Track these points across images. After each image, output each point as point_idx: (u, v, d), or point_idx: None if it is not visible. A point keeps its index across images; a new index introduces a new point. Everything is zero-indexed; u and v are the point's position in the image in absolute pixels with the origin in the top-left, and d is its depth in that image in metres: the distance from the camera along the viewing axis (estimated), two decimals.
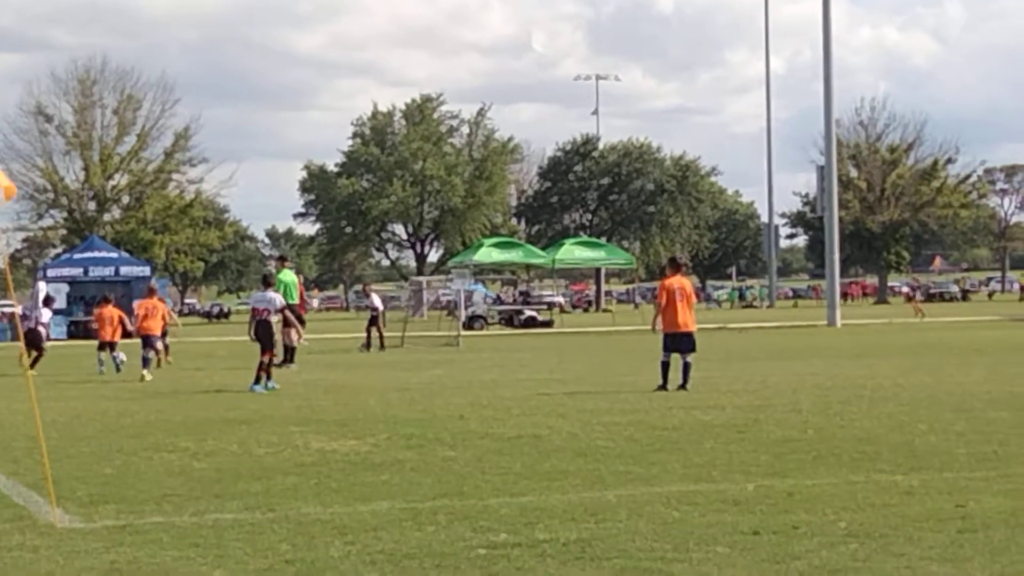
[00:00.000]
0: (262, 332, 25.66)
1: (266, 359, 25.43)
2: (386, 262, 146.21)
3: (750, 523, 10.19)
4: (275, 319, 26.28)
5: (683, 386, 22.62)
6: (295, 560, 9.21)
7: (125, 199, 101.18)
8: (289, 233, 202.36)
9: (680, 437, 15.85)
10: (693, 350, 23.22)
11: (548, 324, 61.55)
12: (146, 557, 9.43)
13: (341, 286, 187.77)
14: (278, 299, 26.53)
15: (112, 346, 31.94)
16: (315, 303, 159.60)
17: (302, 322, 32.56)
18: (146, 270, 67.73)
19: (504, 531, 10.07)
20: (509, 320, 63.40)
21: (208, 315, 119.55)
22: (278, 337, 27.30)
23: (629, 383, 24.80)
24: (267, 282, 27.47)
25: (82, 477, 13.42)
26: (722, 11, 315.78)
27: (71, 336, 58.98)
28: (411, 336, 44.27)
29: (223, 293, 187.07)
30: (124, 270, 65.99)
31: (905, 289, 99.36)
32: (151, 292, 33.98)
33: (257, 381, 25.07)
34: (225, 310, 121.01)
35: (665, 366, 22.96)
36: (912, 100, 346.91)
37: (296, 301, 32.37)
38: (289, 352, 31.68)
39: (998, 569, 8.47)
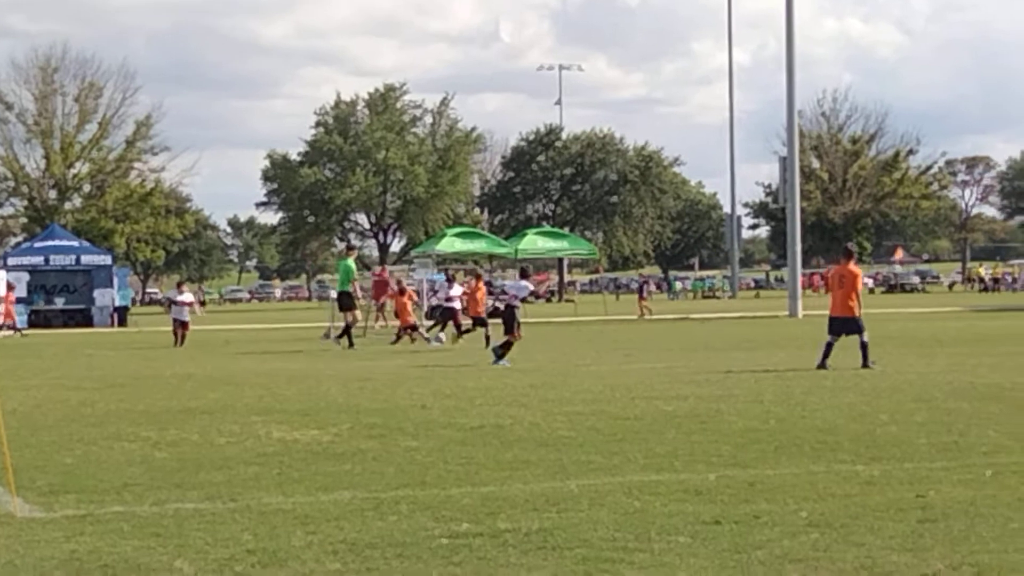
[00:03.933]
0: (507, 315, 29.06)
1: (514, 338, 28.64)
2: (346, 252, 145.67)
3: (712, 513, 10.21)
4: (517, 304, 29.47)
5: (865, 363, 23.93)
6: (256, 550, 9.19)
7: (86, 188, 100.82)
8: (251, 222, 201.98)
9: (642, 427, 15.87)
10: (854, 332, 24.54)
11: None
12: (107, 547, 9.39)
13: (304, 275, 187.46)
14: (526, 289, 30.25)
15: None
16: (277, 293, 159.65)
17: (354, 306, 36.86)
18: (107, 259, 67.46)
19: (466, 521, 10.06)
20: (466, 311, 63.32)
21: (166, 304, 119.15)
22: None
23: (592, 372, 24.82)
24: (525, 274, 30.99)
25: (42, 466, 13.36)
26: (688, 2, 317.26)
27: (32, 325, 58.65)
28: (374, 326, 44.19)
29: (184, 283, 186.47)
30: (85, 259, 65.67)
31: (634, 285, 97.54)
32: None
33: (501, 356, 28.01)
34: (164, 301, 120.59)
35: (828, 346, 24.46)
36: (877, 92, 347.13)
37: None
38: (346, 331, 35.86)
39: (958, 559, 8.51)
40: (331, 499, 11.17)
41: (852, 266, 25.37)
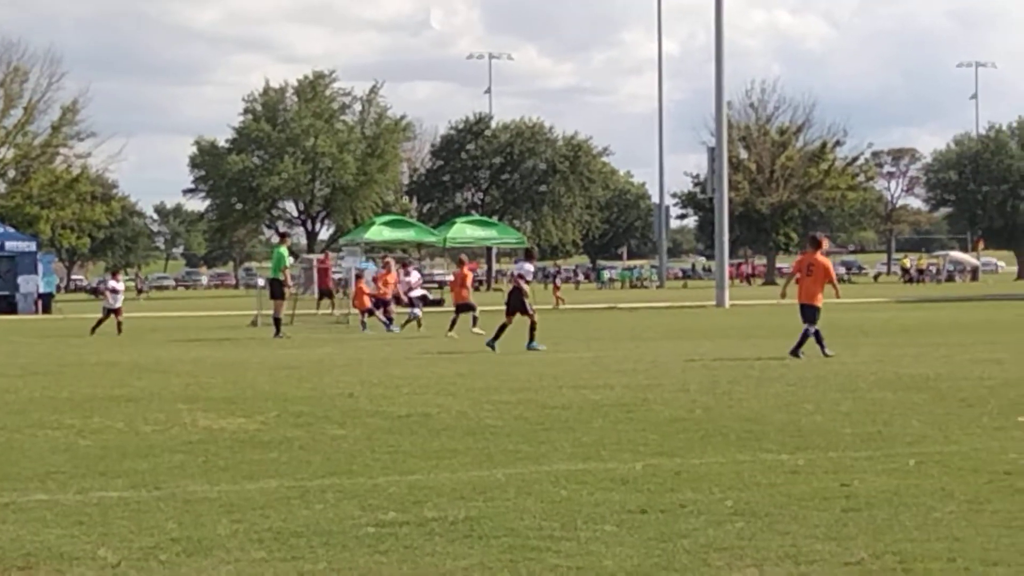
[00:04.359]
0: (513, 298, 29.25)
1: (536, 319, 28.78)
2: (276, 239, 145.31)
3: (638, 502, 10.23)
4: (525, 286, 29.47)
5: (793, 351, 24.25)
6: (181, 538, 9.13)
7: (11, 173, 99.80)
8: (178, 209, 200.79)
9: (569, 416, 15.89)
10: (812, 321, 24.73)
11: (439, 303, 61.58)
12: (29, 535, 9.31)
13: (231, 263, 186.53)
14: (530, 269, 30.35)
15: None
16: (204, 280, 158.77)
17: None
18: (31, 245, 66.87)
19: (393, 509, 10.04)
20: (399, 299, 63.31)
21: (95, 291, 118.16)
22: None
23: (519, 361, 24.83)
24: (529, 255, 31.44)
25: None
26: None
27: None
28: (301, 314, 44.02)
29: (110, 269, 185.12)
30: (9, 245, 65.09)
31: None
32: None
33: (532, 339, 28.21)
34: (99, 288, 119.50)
35: (817, 334, 24.61)
36: (805, 83, 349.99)
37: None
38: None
39: (881, 547, 8.57)
40: (257, 487, 11.12)
41: (820, 256, 25.64)
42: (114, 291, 40.95)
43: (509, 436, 14.16)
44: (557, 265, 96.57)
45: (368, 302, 40.35)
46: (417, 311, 40.14)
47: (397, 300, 40.61)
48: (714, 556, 8.43)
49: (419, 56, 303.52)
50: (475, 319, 34.54)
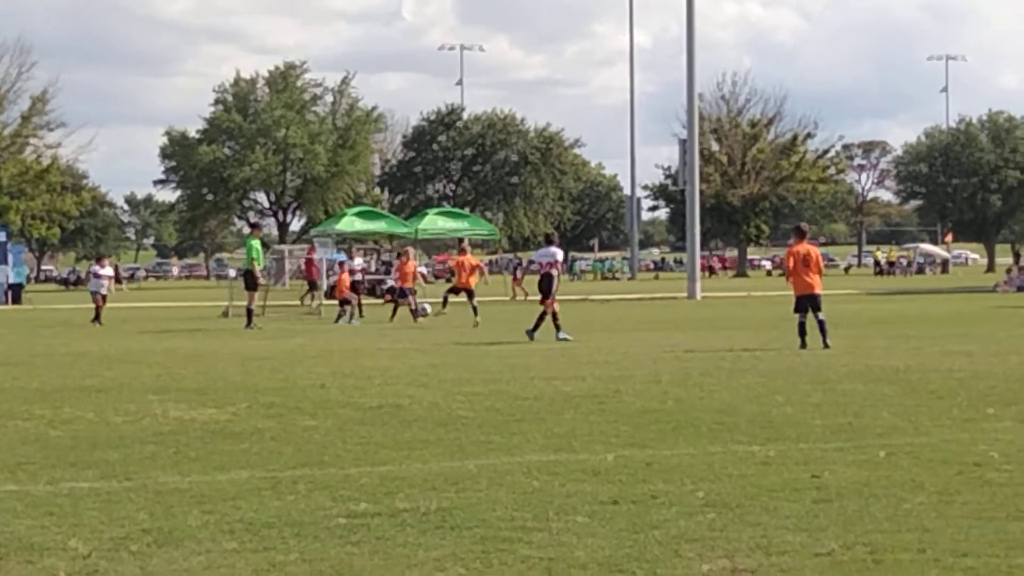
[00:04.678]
0: (545, 284, 29.09)
1: (556, 307, 28.87)
2: (247, 230, 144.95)
3: (609, 493, 10.25)
4: (554, 272, 29.38)
5: (824, 343, 24.41)
6: (152, 529, 9.12)
7: None
8: (149, 200, 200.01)
9: (541, 407, 15.90)
10: (818, 309, 25.06)
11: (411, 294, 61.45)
12: (0, 526, 9.29)
13: (202, 254, 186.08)
14: (559, 253, 30.23)
15: None
16: (175, 271, 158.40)
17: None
18: (1, 236, 66.55)
19: (364, 500, 10.04)
20: (371, 290, 63.24)
21: (65, 282, 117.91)
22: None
23: (491, 352, 24.84)
24: (550, 240, 30.72)
25: None
26: None
27: None
28: (272, 305, 43.95)
29: (81, 260, 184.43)
30: None
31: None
32: None
33: (559, 329, 28.37)
34: (83, 277, 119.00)
35: (802, 326, 24.89)
36: (776, 75, 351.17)
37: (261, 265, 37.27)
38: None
39: (852, 538, 8.60)
40: (228, 478, 11.10)
41: (810, 244, 26.11)
42: (96, 276, 40.97)
43: (481, 427, 14.17)
44: (519, 257, 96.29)
45: (347, 292, 40.26)
46: (426, 305, 39.85)
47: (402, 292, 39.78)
48: (686, 547, 8.45)
49: (391, 47, 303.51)
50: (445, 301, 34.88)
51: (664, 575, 7.82)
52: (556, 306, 29.04)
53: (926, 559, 8.08)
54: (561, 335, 28.12)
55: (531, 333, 28.41)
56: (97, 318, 38.92)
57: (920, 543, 8.46)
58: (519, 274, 63.85)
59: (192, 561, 8.27)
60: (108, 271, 42.66)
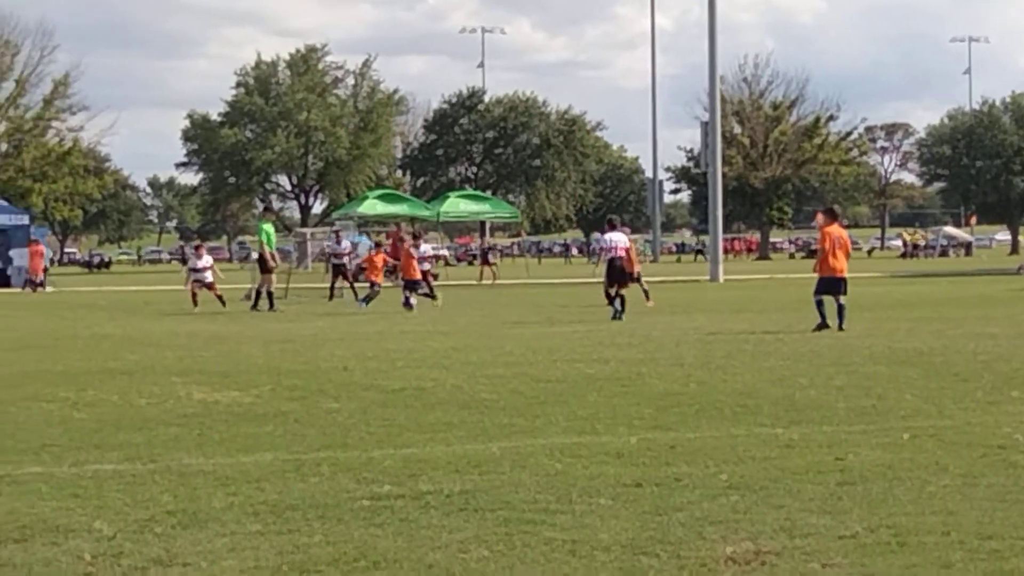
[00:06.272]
0: (616, 270, 29.99)
1: (624, 292, 29.78)
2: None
3: (633, 475, 10.25)
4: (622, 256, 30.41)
5: (840, 326, 24.32)
6: (176, 511, 9.14)
7: (3, 147, 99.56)
8: (171, 183, 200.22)
9: (564, 390, 15.90)
10: (845, 293, 25.17)
11: (433, 277, 61.40)
12: (25, 508, 9.31)
13: (224, 237, 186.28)
14: (625, 239, 31.08)
15: None
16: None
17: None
18: (24, 219, 66.75)
19: (388, 483, 10.05)
20: (393, 272, 63.17)
21: (88, 265, 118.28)
22: None
23: (514, 335, 24.84)
24: (612, 224, 31.59)
25: None
26: None
27: None
28: (296, 288, 43.95)
29: (104, 243, 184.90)
30: (1, 219, 64.94)
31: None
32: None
33: (622, 309, 29.21)
34: (106, 260, 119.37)
35: (820, 304, 24.90)
36: (799, 57, 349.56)
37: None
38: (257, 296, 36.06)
39: (876, 521, 8.58)
40: (252, 460, 11.13)
41: (840, 227, 26.21)
42: (195, 270, 38.85)
43: (504, 410, 14.17)
44: (490, 243, 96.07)
45: (381, 276, 39.79)
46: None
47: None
48: (709, 529, 8.44)
49: (412, 30, 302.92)
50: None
51: (687, 557, 7.81)
52: (624, 290, 29.95)
53: (950, 541, 8.07)
54: (622, 316, 28.95)
55: (619, 315, 29.07)
56: (194, 299, 37.55)
57: (944, 525, 8.44)
58: (491, 258, 62.68)
59: (216, 543, 8.29)
60: (206, 261, 39.88)
